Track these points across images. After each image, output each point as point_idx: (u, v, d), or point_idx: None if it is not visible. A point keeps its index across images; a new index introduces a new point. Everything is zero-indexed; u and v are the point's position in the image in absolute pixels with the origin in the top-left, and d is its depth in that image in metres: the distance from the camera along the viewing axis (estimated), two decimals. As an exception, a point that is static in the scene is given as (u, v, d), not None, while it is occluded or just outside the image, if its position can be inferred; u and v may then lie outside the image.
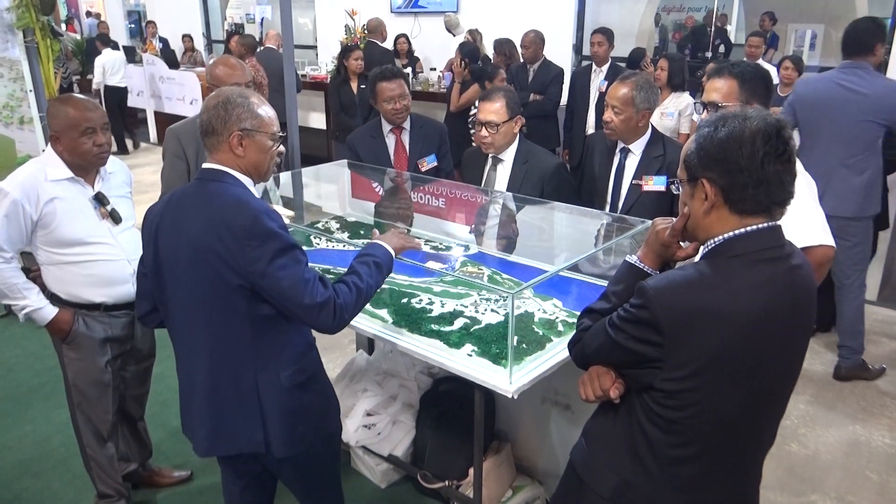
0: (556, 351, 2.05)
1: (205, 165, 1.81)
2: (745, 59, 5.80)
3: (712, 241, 1.38)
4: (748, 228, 1.34)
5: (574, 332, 1.60)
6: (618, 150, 2.78)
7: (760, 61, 5.95)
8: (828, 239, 1.89)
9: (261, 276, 1.65)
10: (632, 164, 2.74)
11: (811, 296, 1.42)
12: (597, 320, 1.50)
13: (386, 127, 3.27)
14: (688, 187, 1.41)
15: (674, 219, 1.51)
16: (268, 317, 1.73)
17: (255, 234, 1.64)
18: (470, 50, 5.54)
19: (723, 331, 1.29)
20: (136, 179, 2.81)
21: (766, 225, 1.35)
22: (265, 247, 1.64)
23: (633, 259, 1.57)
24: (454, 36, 7.30)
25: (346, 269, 1.86)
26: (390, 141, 3.28)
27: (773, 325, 1.33)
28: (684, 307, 1.30)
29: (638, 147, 2.73)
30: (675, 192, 1.49)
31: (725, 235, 1.35)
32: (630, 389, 1.46)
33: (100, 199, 2.37)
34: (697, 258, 1.41)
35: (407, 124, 3.27)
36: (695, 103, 3.59)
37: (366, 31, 7.33)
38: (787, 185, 1.33)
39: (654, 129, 2.76)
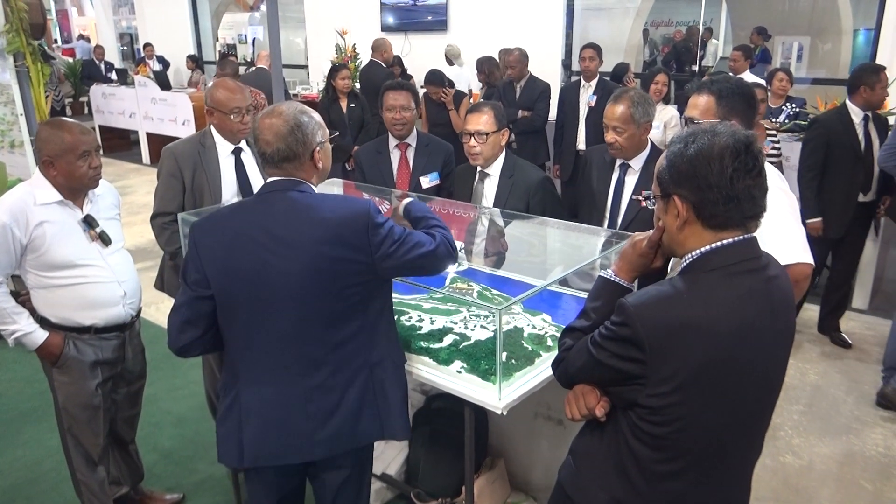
0: (546, 366, 2.05)
1: (272, 179, 1.81)
2: (729, 73, 5.86)
3: (689, 256, 1.38)
4: (723, 242, 1.35)
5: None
6: (617, 166, 2.78)
7: (749, 73, 6.02)
8: (806, 257, 1.87)
9: (387, 258, 1.75)
10: (631, 179, 2.74)
11: (790, 305, 1.43)
12: (578, 339, 1.50)
13: (392, 142, 3.28)
14: (661, 203, 1.42)
15: (651, 231, 1.52)
16: (380, 310, 1.84)
17: (375, 224, 1.74)
18: (439, 77, 5.68)
19: (704, 344, 1.30)
20: (129, 200, 2.83)
21: (740, 238, 1.36)
22: (383, 232, 1.75)
23: (607, 274, 1.57)
24: (452, 65, 7.33)
25: None
26: (395, 157, 3.29)
27: (754, 336, 1.34)
28: (665, 323, 1.30)
29: (638, 163, 2.73)
30: (650, 207, 1.50)
31: (702, 250, 1.36)
32: (615, 406, 1.46)
33: (89, 222, 2.38)
34: (676, 274, 1.42)
35: (413, 141, 3.27)
36: (681, 117, 3.61)
37: (356, 52, 7.39)
38: (758, 200, 1.35)
39: (653, 144, 2.77)
